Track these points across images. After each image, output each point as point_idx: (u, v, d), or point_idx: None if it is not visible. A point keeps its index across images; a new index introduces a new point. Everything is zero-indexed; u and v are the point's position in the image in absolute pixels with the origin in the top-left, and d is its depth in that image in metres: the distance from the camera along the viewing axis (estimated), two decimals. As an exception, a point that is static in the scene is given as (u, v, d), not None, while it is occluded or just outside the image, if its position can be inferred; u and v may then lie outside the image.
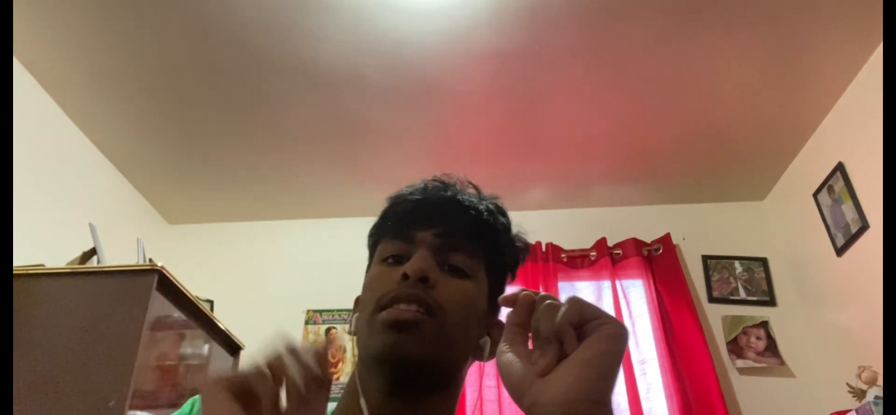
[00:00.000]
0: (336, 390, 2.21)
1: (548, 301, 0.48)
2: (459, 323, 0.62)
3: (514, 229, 0.73)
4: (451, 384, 0.64)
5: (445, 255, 0.64)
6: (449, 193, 0.69)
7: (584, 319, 0.45)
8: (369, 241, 0.72)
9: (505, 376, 0.47)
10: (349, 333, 0.69)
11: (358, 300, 0.69)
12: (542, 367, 0.44)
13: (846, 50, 2.20)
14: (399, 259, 0.64)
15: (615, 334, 0.44)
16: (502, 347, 0.49)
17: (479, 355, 0.66)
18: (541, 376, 0.44)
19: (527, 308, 0.50)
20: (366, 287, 0.66)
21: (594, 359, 0.43)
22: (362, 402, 0.60)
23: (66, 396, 1.51)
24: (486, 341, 0.66)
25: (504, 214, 0.72)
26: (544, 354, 0.45)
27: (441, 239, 0.64)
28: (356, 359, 0.65)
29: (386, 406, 0.60)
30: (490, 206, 0.71)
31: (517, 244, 0.73)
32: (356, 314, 0.67)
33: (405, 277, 0.60)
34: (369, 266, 0.70)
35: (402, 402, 0.60)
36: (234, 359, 2.33)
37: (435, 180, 0.72)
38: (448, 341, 0.60)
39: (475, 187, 0.73)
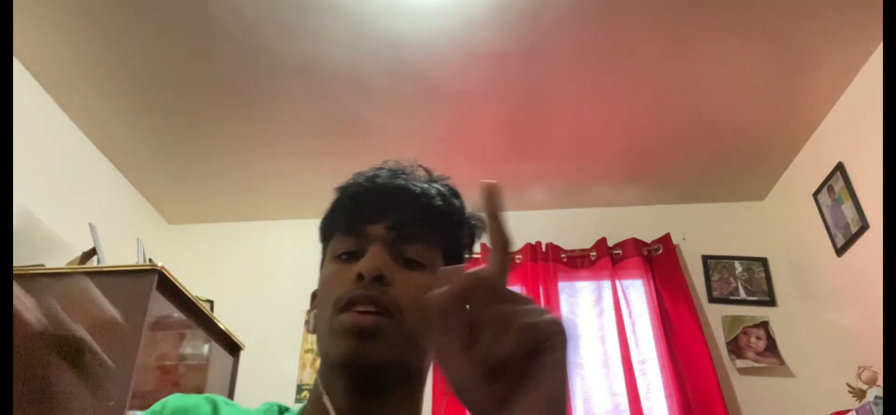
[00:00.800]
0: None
1: (492, 304, 0.39)
2: (418, 320, 0.60)
3: (468, 208, 0.71)
4: (416, 378, 0.64)
5: (400, 248, 0.62)
6: (399, 181, 0.67)
7: (537, 343, 0.38)
8: (321, 233, 0.70)
9: (450, 378, 0.39)
10: (308, 331, 0.67)
11: (314, 295, 0.68)
12: (497, 396, 0.38)
13: (846, 50, 2.20)
14: (353, 255, 0.62)
15: (566, 360, 0.39)
16: (442, 341, 0.39)
17: None
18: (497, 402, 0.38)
19: (468, 295, 0.40)
20: (321, 285, 0.64)
21: (556, 397, 0.38)
22: (326, 401, 0.60)
23: (65, 396, 1.51)
24: None
25: (457, 195, 0.71)
26: (495, 380, 0.38)
27: (394, 232, 0.62)
28: (320, 355, 0.64)
29: (352, 406, 0.59)
30: (442, 189, 0.68)
31: (473, 223, 0.71)
32: (314, 311, 0.66)
33: (360, 277, 0.58)
34: (323, 261, 0.68)
35: (367, 402, 0.59)
36: (234, 359, 2.33)
37: (383, 168, 0.69)
38: (409, 340, 0.59)
39: (425, 170, 0.71)
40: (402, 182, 0.67)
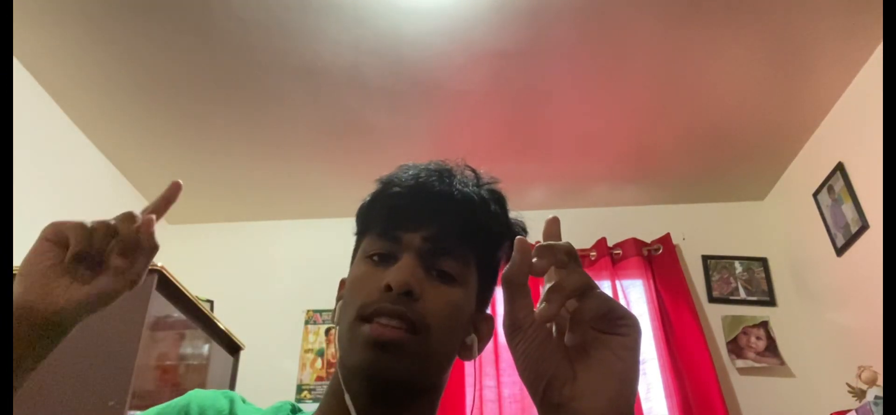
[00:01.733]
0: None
1: (570, 278, 0.43)
2: (444, 337, 0.59)
3: (512, 215, 0.68)
4: (435, 389, 0.63)
5: (434, 260, 0.60)
6: (442, 187, 0.63)
7: (612, 319, 0.43)
8: (357, 223, 0.68)
9: (525, 357, 0.43)
10: (333, 321, 0.65)
11: (343, 284, 0.66)
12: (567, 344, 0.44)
13: (846, 50, 2.20)
14: (385, 259, 0.61)
15: (639, 349, 0.43)
16: (517, 323, 0.44)
17: (466, 355, 0.63)
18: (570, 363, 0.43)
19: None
20: (350, 283, 0.63)
21: (628, 374, 0.42)
22: (348, 399, 0.59)
23: (66, 396, 1.51)
24: (473, 340, 0.64)
25: (502, 203, 0.67)
26: (569, 334, 0.44)
27: (429, 243, 0.60)
28: (339, 355, 0.62)
29: (369, 409, 0.58)
30: (486, 197, 0.65)
31: (516, 233, 0.68)
32: (340, 303, 0.64)
33: (389, 288, 0.56)
34: (355, 253, 0.66)
35: (384, 408, 0.59)
36: (234, 359, 2.33)
37: (428, 168, 0.66)
38: (432, 357, 0.58)
39: (473, 171, 0.68)
40: (446, 187, 0.63)
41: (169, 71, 2.29)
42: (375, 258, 0.61)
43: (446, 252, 0.60)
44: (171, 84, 2.35)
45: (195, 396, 0.66)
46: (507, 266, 0.45)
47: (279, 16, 2.05)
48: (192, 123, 2.55)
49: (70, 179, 2.49)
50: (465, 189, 0.64)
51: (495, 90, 2.39)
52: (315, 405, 0.66)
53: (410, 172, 0.65)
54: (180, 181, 0.61)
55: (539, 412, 0.44)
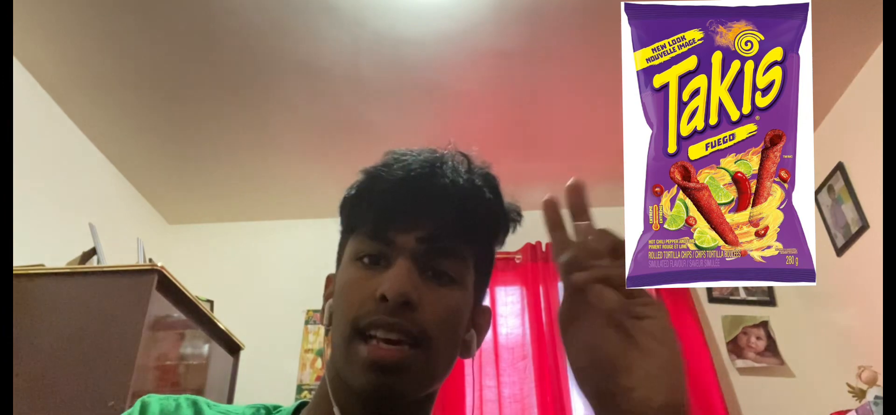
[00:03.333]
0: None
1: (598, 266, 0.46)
2: (447, 345, 0.56)
3: (506, 200, 0.64)
4: (433, 394, 0.60)
5: (430, 261, 0.56)
6: (435, 181, 0.59)
7: (631, 306, 0.45)
8: (342, 218, 0.63)
9: (582, 347, 0.45)
10: (322, 323, 0.61)
11: (330, 281, 0.63)
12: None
13: (846, 50, 2.20)
14: (375, 260, 0.56)
15: (669, 323, 0.46)
16: (575, 314, 0.47)
17: (466, 353, 0.61)
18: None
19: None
20: (340, 290, 0.58)
21: (675, 360, 0.44)
22: (336, 411, 0.56)
23: (66, 396, 1.51)
24: (472, 336, 0.61)
25: (497, 190, 0.63)
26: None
27: (425, 245, 0.56)
28: (333, 362, 0.58)
29: None
30: (482, 186, 0.61)
31: (512, 219, 0.64)
32: (329, 304, 0.60)
33: (384, 298, 0.52)
34: (342, 249, 0.62)
35: None
36: (234, 359, 2.33)
37: (419, 157, 0.62)
38: (436, 368, 0.56)
39: (465, 156, 0.64)
40: (439, 180, 0.58)
41: (169, 71, 2.29)
42: (366, 260, 0.57)
43: (443, 253, 0.57)
44: (172, 84, 2.35)
45: (151, 399, 0.62)
46: (572, 264, 0.46)
47: (280, 16, 2.05)
48: (193, 122, 2.55)
49: (70, 179, 2.49)
50: (459, 180, 0.60)
51: (495, 90, 2.39)
52: (293, 405, 0.64)
53: (399, 164, 0.60)
54: None
55: (592, 403, 0.45)
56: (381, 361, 0.52)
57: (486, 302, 0.67)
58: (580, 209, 0.49)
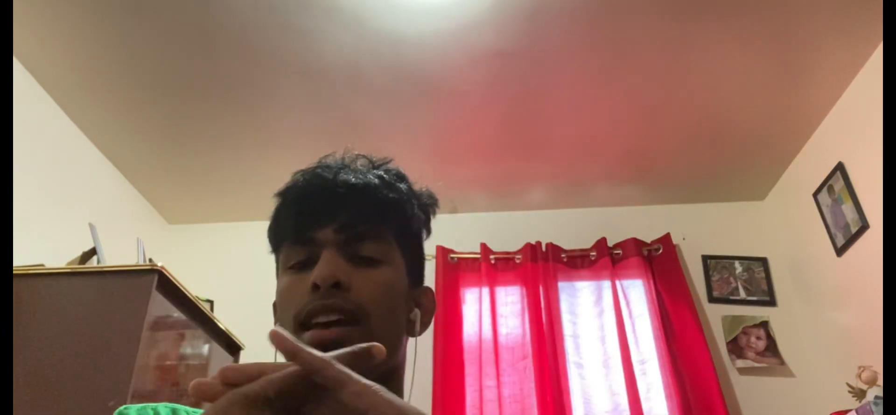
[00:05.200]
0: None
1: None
2: (385, 316, 0.58)
3: (416, 187, 0.68)
4: (391, 373, 0.61)
5: (353, 248, 0.60)
6: (340, 177, 0.63)
7: None
8: (270, 243, 0.67)
9: None
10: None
11: (275, 307, 0.65)
12: None
13: (846, 50, 2.20)
14: (304, 264, 0.60)
15: None
16: None
17: (412, 331, 0.63)
18: None
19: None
20: (279, 299, 0.61)
21: None
22: None
23: (65, 396, 1.51)
24: (416, 315, 0.64)
25: (403, 178, 0.67)
26: None
27: (343, 233, 0.60)
28: None
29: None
30: (386, 176, 0.66)
31: (425, 202, 0.68)
32: (277, 324, 0.62)
33: (316, 287, 0.56)
34: (277, 271, 0.65)
35: None
36: (234, 359, 2.33)
37: (322, 164, 0.67)
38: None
39: (366, 158, 0.69)
40: (344, 177, 0.63)
41: (170, 71, 2.29)
42: (296, 267, 0.60)
43: (362, 237, 0.60)
44: (172, 84, 2.35)
45: (129, 408, 0.61)
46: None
47: (280, 16, 2.05)
48: (193, 122, 2.55)
49: (70, 178, 2.49)
50: (364, 175, 0.65)
51: (495, 90, 2.39)
52: None
53: (306, 174, 0.66)
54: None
55: None
56: (323, 341, 0.53)
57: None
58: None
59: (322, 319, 0.55)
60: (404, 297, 0.62)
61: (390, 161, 0.69)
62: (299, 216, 0.62)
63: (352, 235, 0.60)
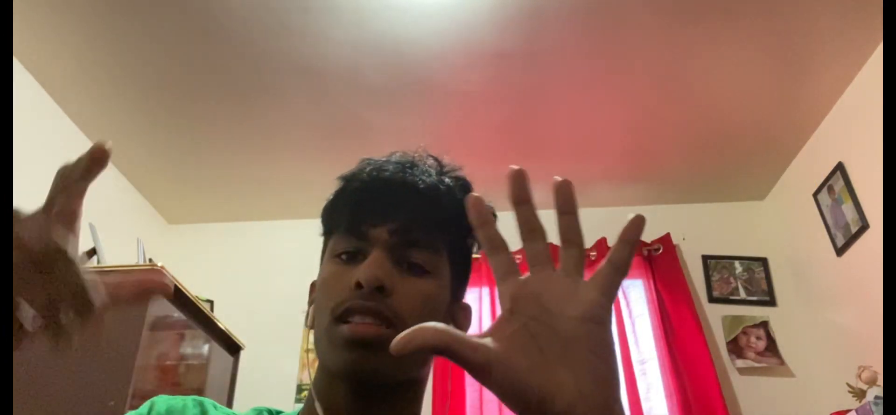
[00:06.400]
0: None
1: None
2: None
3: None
4: (417, 383, 0.62)
5: (403, 253, 0.59)
6: (406, 178, 0.62)
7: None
8: (323, 223, 0.67)
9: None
10: (306, 326, 0.64)
11: (313, 287, 0.65)
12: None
13: (846, 50, 2.20)
14: (353, 256, 0.59)
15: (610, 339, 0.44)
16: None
17: None
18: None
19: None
20: (320, 284, 0.61)
21: (613, 378, 0.42)
22: (318, 406, 0.58)
23: (65, 396, 1.51)
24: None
25: (468, 189, 0.65)
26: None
27: (397, 236, 0.59)
28: (317, 358, 0.60)
29: (351, 412, 0.57)
30: (451, 185, 0.64)
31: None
32: (311, 306, 0.63)
33: (359, 285, 0.55)
34: (324, 253, 0.65)
35: (367, 408, 0.58)
36: (234, 359, 2.33)
37: (390, 160, 0.65)
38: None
39: (436, 160, 0.67)
40: (409, 178, 0.62)
41: (170, 71, 2.29)
42: (343, 257, 0.60)
43: (415, 244, 0.59)
44: (172, 84, 2.35)
45: (159, 401, 0.64)
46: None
47: (280, 16, 2.05)
48: (193, 122, 2.55)
49: (70, 179, 2.49)
50: (429, 179, 0.63)
51: (495, 90, 2.39)
52: (298, 407, 0.65)
53: (372, 166, 0.64)
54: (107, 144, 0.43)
55: None
56: (360, 337, 0.54)
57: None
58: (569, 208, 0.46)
59: (359, 319, 0.55)
60: (443, 312, 0.61)
61: (460, 169, 0.67)
62: (356, 207, 0.61)
63: (404, 240, 0.59)
